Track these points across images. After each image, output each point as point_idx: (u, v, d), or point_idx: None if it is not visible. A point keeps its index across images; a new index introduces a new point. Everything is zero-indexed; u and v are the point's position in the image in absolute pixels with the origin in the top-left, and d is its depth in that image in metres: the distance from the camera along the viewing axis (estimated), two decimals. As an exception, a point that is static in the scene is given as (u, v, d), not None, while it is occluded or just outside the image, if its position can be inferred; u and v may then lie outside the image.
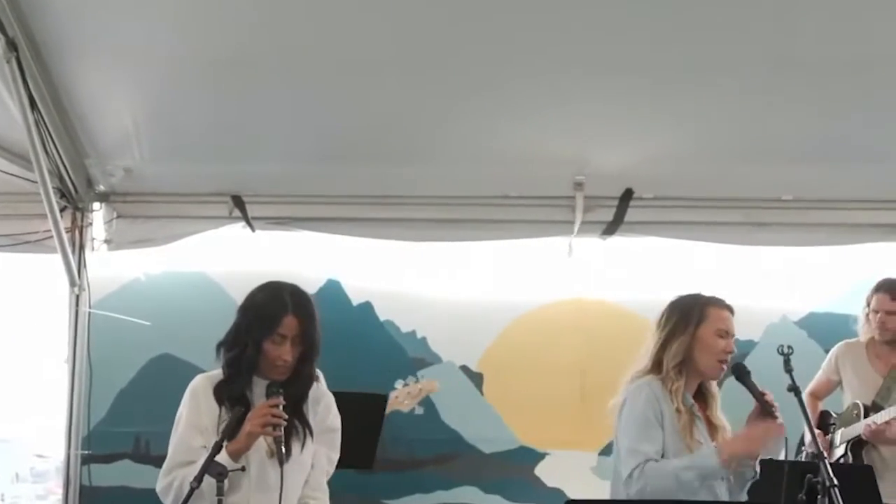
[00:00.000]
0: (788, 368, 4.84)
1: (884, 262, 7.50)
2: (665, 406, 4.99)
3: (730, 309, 5.15)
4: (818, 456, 4.52)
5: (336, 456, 4.87)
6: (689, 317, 5.10)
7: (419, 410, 7.30)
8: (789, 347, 4.90)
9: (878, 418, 6.45)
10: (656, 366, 5.11)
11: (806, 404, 6.92)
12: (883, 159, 7.20)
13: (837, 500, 4.37)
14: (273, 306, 4.65)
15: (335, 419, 4.86)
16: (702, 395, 5.12)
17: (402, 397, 6.99)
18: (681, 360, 5.05)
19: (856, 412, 6.71)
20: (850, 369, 6.80)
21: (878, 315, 6.80)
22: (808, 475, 4.57)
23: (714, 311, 5.12)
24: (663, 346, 5.11)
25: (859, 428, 6.63)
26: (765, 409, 4.89)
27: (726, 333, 5.07)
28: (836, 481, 4.42)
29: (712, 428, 5.07)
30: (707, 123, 7.07)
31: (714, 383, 5.15)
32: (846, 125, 7.02)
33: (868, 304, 6.86)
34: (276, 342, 4.62)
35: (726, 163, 7.27)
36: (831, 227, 7.55)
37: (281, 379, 4.66)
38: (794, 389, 4.81)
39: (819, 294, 7.65)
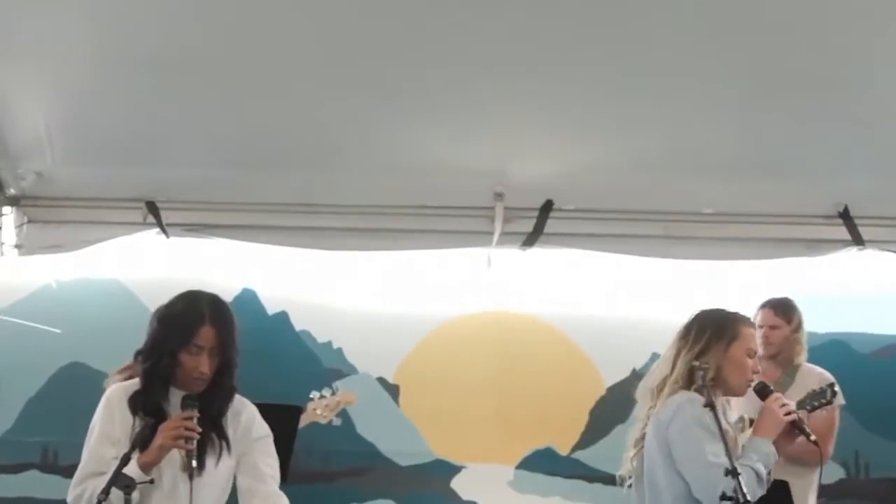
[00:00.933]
0: (704, 384, 4.82)
1: (802, 277, 7.52)
2: (713, 423, 4.91)
3: (755, 327, 5.32)
4: (732, 472, 4.48)
5: (276, 462, 4.77)
6: (723, 333, 5.12)
7: (336, 422, 7.19)
8: (706, 363, 4.88)
9: None
10: (688, 379, 5.06)
11: None
12: (803, 175, 7.22)
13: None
14: (190, 316, 4.56)
15: (261, 427, 4.78)
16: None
17: (319, 409, 6.89)
18: (712, 375, 5.02)
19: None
20: None
21: (762, 330, 6.87)
22: (722, 490, 4.54)
23: (746, 330, 5.17)
24: (695, 360, 5.08)
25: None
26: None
27: (754, 353, 5.14)
28: (748, 497, 4.38)
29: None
30: (628, 136, 7.04)
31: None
32: (767, 140, 7.02)
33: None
34: (192, 353, 4.52)
35: (647, 176, 7.24)
36: (751, 242, 7.54)
37: (199, 391, 4.56)
38: (710, 405, 4.80)
39: (737, 308, 7.61)
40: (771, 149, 7.07)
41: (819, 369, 6.85)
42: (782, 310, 6.92)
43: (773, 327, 6.88)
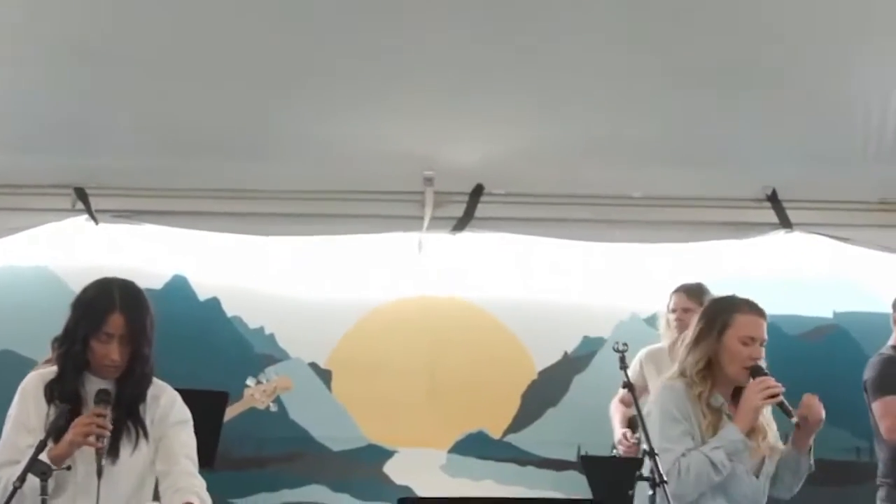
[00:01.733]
0: (623, 366, 4.85)
1: (730, 260, 7.57)
2: (691, 407, 4.91)
3: (760, 313, 5.04)
4: (650, 453, 4.50)
5: (192, 445, 4.69)
6: (714, 323, 5.01)
7: (273, 408, 7.17)
8: (625, 345, 4.90)
9: None
10: (683, 370, 5.02)
11: (614, 410, 7.13)
12: (731, 159, 7.29)
13: (667, 496, 4.34)
14: (100, 303, 4.48)
15: (180, 412, 4.70)
16: (738, 398, 4.98)
17: (257, 394, 6.88)
18: (704, 366, 4.96)
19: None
20: (656, 374, 6.88)
21: (676, 314, 6.94)
22: (638, 472, 4.57)
23: (741, 317, 5.00)
24: (688, 352, 5.03)
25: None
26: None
27: (752, 340, 4.95)
28: (665, 478, 4.40)
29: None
30: (558, 121, 7.06)
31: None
32: (696, 125, 7.07)
33: (668, 308, 7.01)
34: (102, 340, 4.46)
35: (577, 160, 7.27)
36: (680, 225, 7.59)
37: (112, 377, 4.53)
38: (628, 386, 4.83)
39: (667, 292, 7.66)
40: (699, 133, 7.12)
41: None
42: (695, 293, 6.89)
43: (685, 310, 6.86)
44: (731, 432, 4.83)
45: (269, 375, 7.18)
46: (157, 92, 6.79)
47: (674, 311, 6.97)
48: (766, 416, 5.04)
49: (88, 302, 4.53)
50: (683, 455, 4.78)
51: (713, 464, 4.77)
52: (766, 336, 4.99)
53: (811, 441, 5.02)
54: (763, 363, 4.97)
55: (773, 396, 4.86)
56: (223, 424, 6.40)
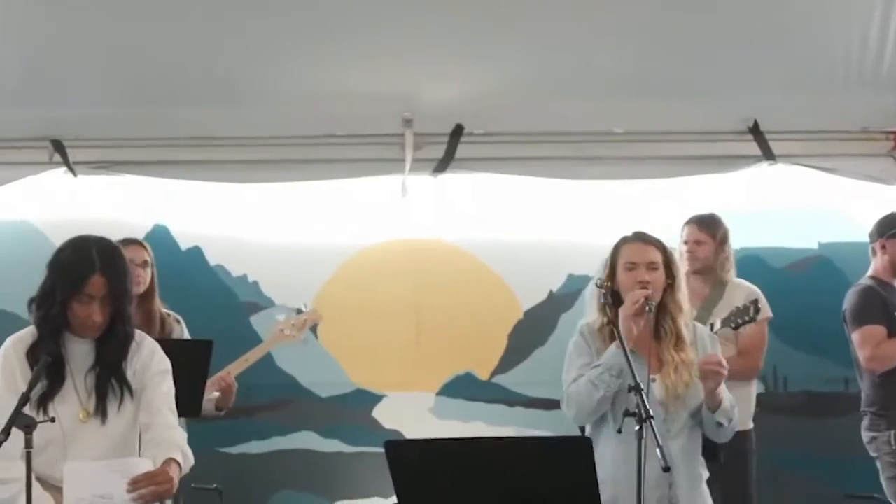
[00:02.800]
0: (606, 302, 4.84)
1: (713, 193, 7.53)
2: (595, 342, 5.05)
3: (645, 240, 5.16)
4: (635, 388, 4.49)
5: (171, 394, 4.68)
6: (606, 260, 5.18)
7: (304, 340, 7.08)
8: (607, 281, 4.92)
9: None
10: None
11: None
12: (712, 92, 7.24)
13: (654, 431, 4.35)
14: (79, 266, 4.44)
15: (160, 362, 4.67)
16: (659, 332, 5.06)
17: (287, 329, 6.78)
18: (604, 301, 5.07)
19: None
20: None
21: (688, 245, 6.87)
22: (625, 407, 4.57)
23: (624, 246, 5.16)
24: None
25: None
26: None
27: (634, 265, 5.06)
28: (651, 412, 4.39)
29: (659, 363, 5.01)
30: (536, 58, 7.04)
31: (680, 321, 5.08)
32: (674, 59, 7.05)
33: (680, 239, 6.93)
34: (83, 302, 4.43)
35: (556, 97, 7.23)
36: (662, 160, 7.54)
37: (93, 337, 4.50)
38: (612, 323, 4.82)
39: (654, 227, 7.58)
40: (679, 66, 7.09)
41: (747, 284, 6.87)
42: (707, 224, 6.87)
43: (697, 242, 6.84)
44: (610, 350, 4.91)
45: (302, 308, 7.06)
46: (131, 39, 6.76)
47: (685, 242, 6.88)
48: (678, 355, 5.03)
49: (66, 264, 4.49)
50: (573, 381, 4.95)
51: (592, 382, 4.88)
52: (653, 259, 5.07)
53: (718, 399, 4.93)
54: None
55: (636, 303, 4.91)
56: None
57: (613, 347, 4.88)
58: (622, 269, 5.08)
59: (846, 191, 7.68)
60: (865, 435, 6.66)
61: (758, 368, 6.87)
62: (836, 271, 7.70)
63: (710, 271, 6.86)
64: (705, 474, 5.08)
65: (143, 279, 6.38)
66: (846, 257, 7.61)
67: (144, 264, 6.45)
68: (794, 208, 7.80)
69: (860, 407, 6.73)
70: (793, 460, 7.48)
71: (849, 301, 6.73)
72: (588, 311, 5.20)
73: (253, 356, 6.60)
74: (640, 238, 5.16)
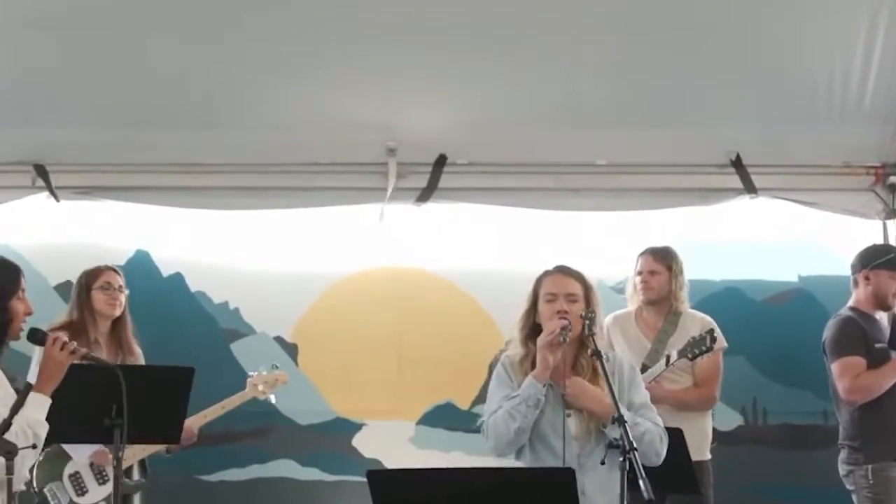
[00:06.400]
0: (590, 332, 4.84)
1: (695, 226, 7.56)
2: (514, 373, 5.12)
3: (565, 272, 5.22)
4: (619, 420, 4.50)
5: None
6: (530, 293, 5.26)
7: (273, 399, 7.09)
8: (592, 312, 4.93)
9: (646, 377, 6.51)
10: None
11: None
12: (694, 125, 7.31)
13: (636, 462, 4.34)
14: None
15: None
16: (576, 365, 5.07)
17: (260, 385, 6.88)
18: (527, 333, 5.16)
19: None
20: (622, 338, 6.91)
21: (642, 276, 6.92)
22: (611, 438, 4.57)
23: (545, 279, 5.23)
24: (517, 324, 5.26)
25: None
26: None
27: (554, 296, 5.12)
28: (635, 445, 4.41)
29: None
30: (519, 89, 7.10)
31: (596, 358, 4.97)
32: (657, 91, 7.12)
33: (634, 271, 6.99)
34: None
35: (539, 128, 7.29)
36: (644, 192, 7.60)
37: None
38: (596, 353, 4.84)
39: (631, 259, 7.65)
40: (662, 99, 7.14)
41: (700, 315, 6.90)
42: (661, 256, 6.92)
43: (651, 272, 6.89)
44: (527, 381, 4.97)
45: (272, 367, 7.09)
46: (116, 66, 6.78)
47: (639, 273, 6.94)
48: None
49: None
50: (493, 413, 5.03)
51: (509, 413, 4.95)
52: (573, 291, 5.12)
53: (604, 420, 4.89)
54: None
55: (551, 333, 4.95)
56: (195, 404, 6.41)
57: (530, 378, 4.95)
58: (542, 301, 5.14)
59: (827, 225, 7.72)
60: (842, 468, 6.63)
61: (714, 398, 6.88)
62: (815, 304, 7.72)
63: (663, 302, 6.89)
64: None
65: (119, 303, 6.62)
66: (826, 290, 7.62)
67: (120, 289, 6.65)
68: (774, 241, 7.83)
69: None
70: (772, 492, 7.49)
71: (829, 331, 6.72)
72: (513, 342, 5.26)
73: (229, 404, 6.81)
74: (561, 270, 5.24)
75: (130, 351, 6.64)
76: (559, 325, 4.95)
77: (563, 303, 5.07)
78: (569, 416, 4.93)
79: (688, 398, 6.67)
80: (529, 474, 4.56)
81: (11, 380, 4.75)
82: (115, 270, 6.72)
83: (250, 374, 6.94)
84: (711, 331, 6.48)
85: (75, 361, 4.78)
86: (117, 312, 6.61)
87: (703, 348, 6.45)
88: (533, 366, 5.01)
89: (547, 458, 4.93)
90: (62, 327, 6.16)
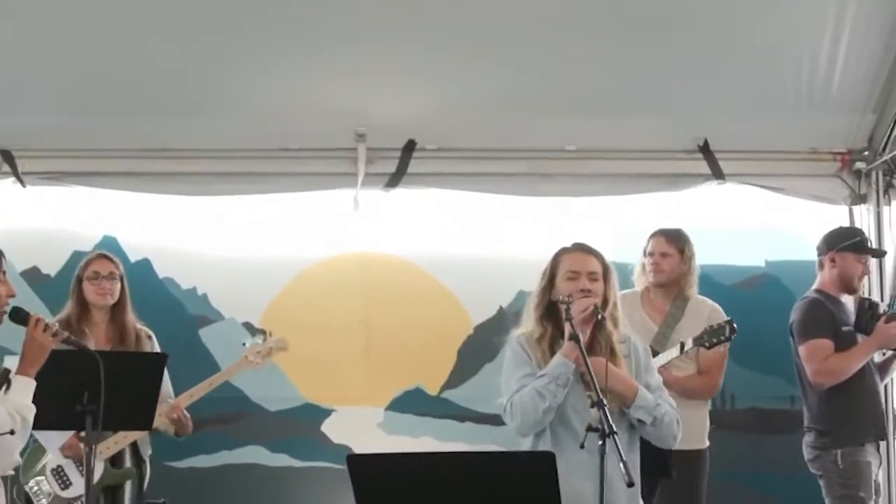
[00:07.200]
0: (568, 317, 4.83)
1: (663, 211, 7.58)
2: (532, 352, 5.01)
3: (585, 250, 5.13)
4: (598, 404, 4.50)
5: None
6: (546, 270, 5.14)
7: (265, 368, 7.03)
8: (569, 297, 4.89)
9: (656, 362, 6.50)
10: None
11: None
12: (663, 111, 7.34)
13: (617, 446, 4.38)
14: None
15: None
16: (594, 346, 4.98)
17: (250, 356, 6.81)
18: (543, 311, 5.07)
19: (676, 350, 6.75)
20: (627, 320, 6.83)
21: (653, 257, 6.87)
22: (589, 422, 4.57)
23: (565, 256, 5.13)
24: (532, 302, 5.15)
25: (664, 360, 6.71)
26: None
27: (576, 274, 5.03)
28: (615, 428, 4.43)
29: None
30: (488, 75, 7.08)
31: (614, 335, 5.03)
32: (627, 78, 7.13)
33: (644, 252, 6.94)
34: None
35: (509, 114, 7.28)
36: (614, 177, 7.63)
37: None
38: (574, 338, 4.82)
39: (601, 244, 7.65)
40: (631, 85, 7.16)
41: (710, 302, 6.89)
42: (675, 238, 6.87)
43: (663, 254, 6.84)
44: (556, 359, 4.90)
45: (266, 336, 7.05)
46: (83, 50, 6.72)
47: (651, 254, 6.87)
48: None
49: None
50: (517, 391, 4.91)
51: (538, 392, 4.83)
52: (594, 269, 5.06)
53: (626, 401, 4.93)
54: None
55: (585, 311, 4.89)
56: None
57: (560, 357, 4.88)
58: (562, 279, 5.05)
59: (794, 210, 7.77)
60: (809, 452, 6.67)
61: (717, 387, 6.88)
62: (783, 289, 7.76)
63: (673, 285, 6.85)
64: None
65: (111, 291, 6.52)
66: (793, 275, 7.65)
67: (111, 276, 6.56)
68: (741, 226, 7.86)
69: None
70: (740, 477, 7.53)
71: (796, 313, 6.74)
72: (525, 321, 5.18)
73: (217, 379, 6.74)
74: (581, 248, 5.15)
75: (128, 338, 6.55)
76: (592, 301, 4.90)
77: (586, 281, 5.00)
78: (589, 397, 4.82)
79: (693, 385, 6.65)
80: (510, 458, 4.56)
81: None
82: (106, 257, 6.65)
83: (245, 343, 6.89)
84: (730, 321, 6.45)
85: (57, 345, 4.75)
86: (109, 301, 6.53)
87: (722, 337, 6.43)
88: (551, 344, 4.97)
89: (567, 441, 4.85)
90: (60, 322, 6.08)
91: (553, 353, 4.95)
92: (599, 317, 4.90)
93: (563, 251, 5.16)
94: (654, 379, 5.11)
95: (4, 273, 4.71)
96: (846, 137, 7.59)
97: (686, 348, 6.53)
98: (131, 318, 6.60)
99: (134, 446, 6.56)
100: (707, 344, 6.42)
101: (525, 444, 4.99)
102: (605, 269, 5.12)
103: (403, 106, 7.24)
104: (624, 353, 5.04)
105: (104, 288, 6.51)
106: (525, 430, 4.95)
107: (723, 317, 6.65)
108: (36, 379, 4.66)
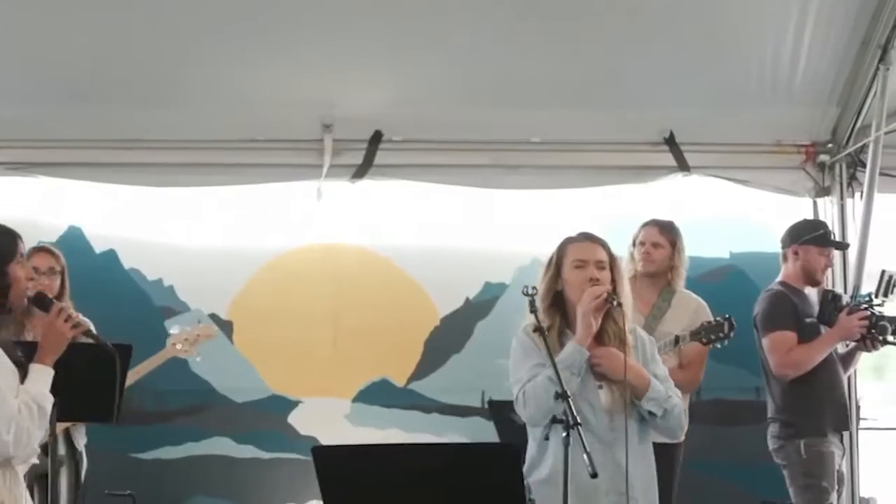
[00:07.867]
0: (533, 309, 4.83)
1: (628, 203, 7.61)
2: (540, 342, 4.89)
3: (592, 239, 5.06)
4: (562, 395, 4.51)
5: None
6: (552, 260, 5.06)
7: (198, 358, 7.02)
8: (534, 289, 4.89)
9: None
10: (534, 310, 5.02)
11: None
12: (629, 103, 7.36)
13: (581, 438, 4.39)
14: None
15: None
16: (602, 336, 4.97)
17: (179, 344, 6.78)
18: (550, 302, 5.00)
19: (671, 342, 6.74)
20: None
21: (645, 247, 6.85)
22: (553, 414, 4.59)
23: (571, 245, 5.06)
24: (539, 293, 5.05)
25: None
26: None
27: (584, 262, 4.97)
28: (579, 420, 4.44)
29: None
30: (454, 66, 7.12)
31: (624, 325, 4.98)
32: (592, 70, 7.15)
33: (634, 242, 6.91)
34: None
35: (475, 106, 7.31)
36: (579, 170, 7.64)
37: None
38: (540, 330, 4.82)
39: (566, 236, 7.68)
40: (597, 78, 7.19)
41: (695, 297, 6.90)
42: (666, 229, 6.87)
43: (655, 244, 6.83)
44: (569, 346, 4.86)
45: (196, 323, 7.04)
46: (51, 39, 6.70)
47: (642, 243, 6.85)
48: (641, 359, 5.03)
49: None
50: (528, 381, 4.84)
51: (551, 380, 4.73)
52: (601, 258, 5.00)
53: (638, 393, 4.90)
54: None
55: (598, 297, 4.86)
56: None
57: (573, 344, 4.85)
58: (570, 268, 4.99)
59: (758, 202, 7.81)
60: (773, 442, 6.69)
61: (698, 381, 6.89)
62: (747, 281, 7.80)
63: (661, 276, 6.85)
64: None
65: (48, 287, 6.35)
66: (757, 267, 7.69)
67: (50, 271, 6.51)
68: (706, 218, 7.88)
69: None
70: (706, 467, 7.54)
71: (760, 305, 6.76)
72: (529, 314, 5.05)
73: (143, 369, 6.64)
74: (587, 237, 5.09)
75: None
76: (604, 289, 4.86)
77: (594, 270, 4.95)
78: (600, 387, 4.86)
79: (675, 379, 6.58)
80: (475, 450, 4.58)
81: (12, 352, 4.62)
82: (47, 251, 6.59)
83: (170, 331, 6.87)
84: (730, 318, 6.45)
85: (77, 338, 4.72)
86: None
87: (721, 334, 6.44)
88: (560, 334, 4.93)
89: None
90: None
91: (561, 344, 4.91)
92: (615, 303, 4.87)
93: (569, 240, 5.09)
94: (661, 370, 5.08)
95: (22, 255, 4.56)
96: (810, 130, 7.64)
97: (681, 342, 6.54)
98: None
99: (67, 436, 6.48)
100: (704, 340, 6.44)
101: (537, 434, 4.92)
102: (612, 258, 5.07)
103: (370, 97, 7.25)
104: (632, 344, 4.99)
105: (42, 285, 6.27)
106: (538, 419, 4.85)
107: (708, 314, 6.67)
108: None
